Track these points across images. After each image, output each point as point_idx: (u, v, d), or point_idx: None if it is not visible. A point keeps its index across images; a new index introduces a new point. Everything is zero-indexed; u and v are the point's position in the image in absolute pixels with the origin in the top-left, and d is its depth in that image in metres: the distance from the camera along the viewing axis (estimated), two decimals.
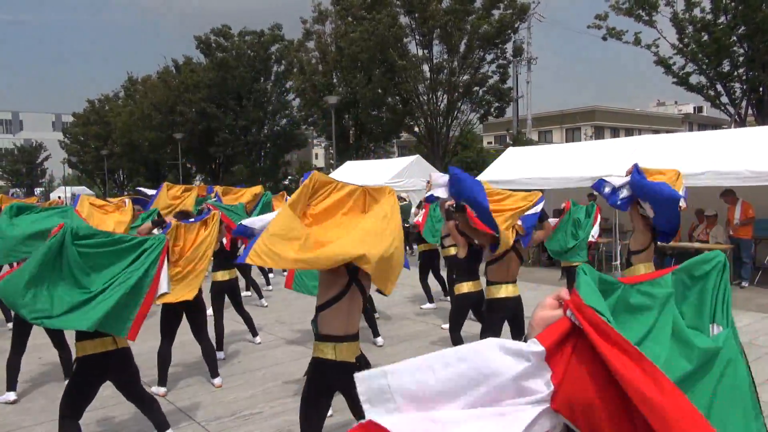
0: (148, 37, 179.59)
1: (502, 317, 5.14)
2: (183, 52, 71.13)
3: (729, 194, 10.20)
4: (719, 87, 19.40)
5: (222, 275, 6.69)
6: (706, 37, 18.47)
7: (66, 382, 4.84)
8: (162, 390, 5.56)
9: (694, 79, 19.77)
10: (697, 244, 10.77)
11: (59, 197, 47.18)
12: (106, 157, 45.90)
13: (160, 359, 5.54)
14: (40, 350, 6.52)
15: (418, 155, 19.96)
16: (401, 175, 17.37)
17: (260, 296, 9.67)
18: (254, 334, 7.22)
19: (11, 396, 5.41)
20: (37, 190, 62.99)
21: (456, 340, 5.77)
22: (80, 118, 52.80)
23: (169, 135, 36.57)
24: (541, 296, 1.16)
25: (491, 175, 14.21)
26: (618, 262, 11.28)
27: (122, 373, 4.34)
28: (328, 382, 3.43)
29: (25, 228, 5.60)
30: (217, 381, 5.67)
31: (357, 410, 3.54)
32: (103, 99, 51.79)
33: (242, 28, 35.94)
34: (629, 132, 47.05)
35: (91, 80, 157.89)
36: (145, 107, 39.15)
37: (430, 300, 8.93)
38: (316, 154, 66.99)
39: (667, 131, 48.04)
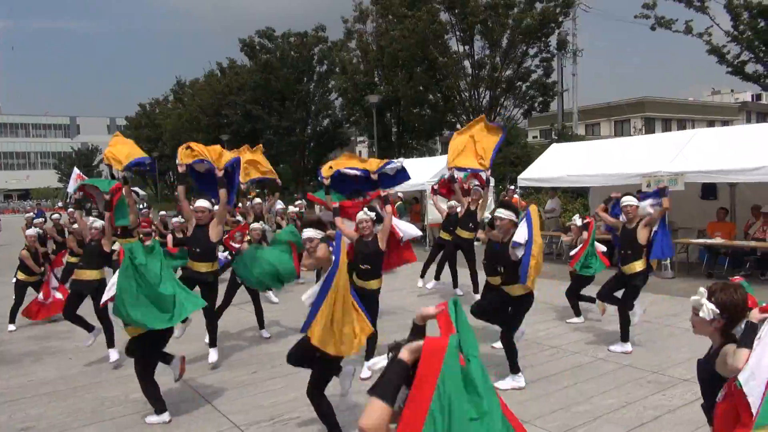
0: (197, 41, 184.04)
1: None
2: (228, 54, 72.54)
3: None
4: None
5: None
6: (762, 24, 17.55)
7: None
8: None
9: (750, 68, 18.82)
10: (752, 243, 10.28)
11: None
12: (157, 158, 47.37)
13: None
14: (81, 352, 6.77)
15: None
16: (443, 172, 17.18)
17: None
18: (261, 327, 7.74)
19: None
20: None
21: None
22: (132, 122, 54.73)
23: (216, 136, 37.42)
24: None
25: (535, 172, 13.93)
26: (668, 261, 10.87)
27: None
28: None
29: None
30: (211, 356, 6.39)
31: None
32: (154, 103, 53.47)
33: (286, 30, 36.40)
34: (681, 123, 45.33)
35: (144, 85, 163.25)
36: (193, 110, 40.17)
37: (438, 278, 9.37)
38: (360, 153, 67.31)
39: (723, 121, 46.07)
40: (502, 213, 5.49)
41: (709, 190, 12.01)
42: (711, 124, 43.23)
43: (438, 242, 9.87)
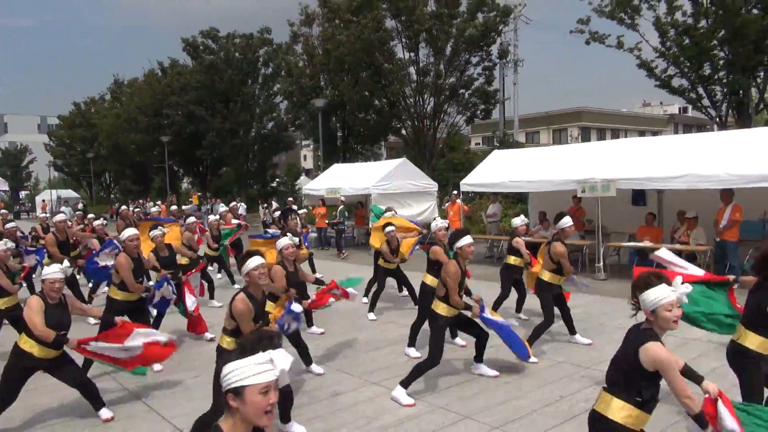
0: (136, 39, 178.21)
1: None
2: (170, 54, 70.73)
3: (727, 194, 10.01)
4: (701, 90, 19.63)
5: None
6: (687, 41, 18.68)
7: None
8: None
9: (676, 82, 19.99)
10: (678, 246, 10.91)
11: (43, 200, 46.82)
12: (92, 159, 45.57)
13: None
14: None
15: (404, 158, 20.02)
16: (388, 177, 17.41)
17: (212, 297, 9.79)
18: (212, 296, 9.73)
19: None
20: (22, 194, 62.44)
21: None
22: (66, 121, 52.42)
23: (155, 138, 36.39)
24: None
25: (477, 178, 14.29)
26: (601, 264, 11.43)
27: None
28: None
29: None
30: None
31: None
32: (89, 102, 51.44)
33: (231, 31, 35.88)
34: (615, 132, 47.45)
35: (78, 83, 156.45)
36: (131, 110, 38.94)
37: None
38: (305, 156, 66.95)
39: (653, 132, 48.53)
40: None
41: (638, 197, 12.70)
42: (642, 134, 45.48)
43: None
